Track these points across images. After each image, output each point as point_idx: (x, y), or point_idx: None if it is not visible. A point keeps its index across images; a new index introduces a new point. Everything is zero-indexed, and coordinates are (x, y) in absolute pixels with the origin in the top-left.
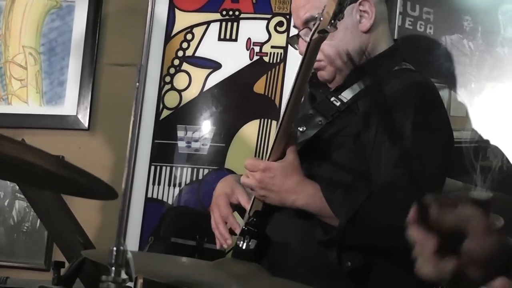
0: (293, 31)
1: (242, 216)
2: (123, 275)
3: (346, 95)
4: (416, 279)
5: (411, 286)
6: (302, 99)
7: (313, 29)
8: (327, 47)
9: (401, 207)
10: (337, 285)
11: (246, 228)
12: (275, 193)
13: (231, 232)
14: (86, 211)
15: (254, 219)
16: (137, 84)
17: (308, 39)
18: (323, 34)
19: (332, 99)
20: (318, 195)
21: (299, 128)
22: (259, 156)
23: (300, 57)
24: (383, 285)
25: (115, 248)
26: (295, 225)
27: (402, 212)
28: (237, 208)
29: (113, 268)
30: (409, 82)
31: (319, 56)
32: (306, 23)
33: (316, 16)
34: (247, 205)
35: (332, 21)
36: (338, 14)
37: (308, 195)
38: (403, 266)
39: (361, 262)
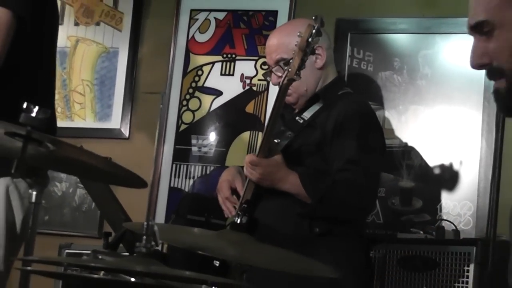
0: None
1: (238, 199)
2: (152, 242)
3: (307, 114)
4: (362, 244)
5: (359, 249)
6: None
7: (283, 78)
8: None
9: (353, 192)
10: (309, 249)
11: (239, 212)
12: (269, 180)
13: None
14: (127, 197)
15: (245, 205)
16: (161, 106)
17: (279, 74)
18: (291, 81)
19: (297, 118)
20: (297, 182)
21: (275, 140)
22: None
23: (274, 87)
24: (339, 246)
25: (145, 223)
26: (277, 207)
27: (354, 195)
28: (235, 192)
29: (144, 237)
30: (354, 106)
31: None
32: (277, 62)
33: (284, 57)
34: (241, 193)
35: (297, 72)
36: (301, 66)
37: (290, 181)
38: (354, 234)
39: (326, 229)
